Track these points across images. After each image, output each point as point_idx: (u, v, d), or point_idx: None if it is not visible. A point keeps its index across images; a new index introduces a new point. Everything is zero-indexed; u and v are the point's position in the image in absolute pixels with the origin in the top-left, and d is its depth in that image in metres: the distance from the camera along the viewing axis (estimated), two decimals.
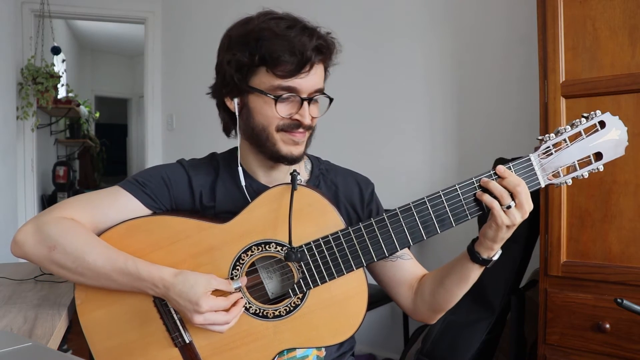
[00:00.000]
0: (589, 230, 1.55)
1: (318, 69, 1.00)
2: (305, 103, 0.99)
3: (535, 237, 1.84)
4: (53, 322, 1.01)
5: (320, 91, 1.02)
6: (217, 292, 0.93)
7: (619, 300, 1.08)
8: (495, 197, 0.89)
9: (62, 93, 4.52)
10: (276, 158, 1.02)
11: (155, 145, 3.82)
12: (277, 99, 0.97)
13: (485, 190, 0.90)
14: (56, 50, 4.18)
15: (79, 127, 5.28)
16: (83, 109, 5.09)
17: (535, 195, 1.65)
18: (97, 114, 6.26)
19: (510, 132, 2.25)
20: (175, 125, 3.72)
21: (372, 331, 2.70)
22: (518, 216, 0.89)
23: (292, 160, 1.02)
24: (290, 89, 0.97)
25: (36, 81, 3.56)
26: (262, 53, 0.96)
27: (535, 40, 1.66)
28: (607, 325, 1.49)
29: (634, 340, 1.46)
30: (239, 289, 0.95)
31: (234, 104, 1.03)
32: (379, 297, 2.35)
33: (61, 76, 4.06)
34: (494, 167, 0.91)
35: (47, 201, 4.60)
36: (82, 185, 5.61)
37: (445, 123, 2.49)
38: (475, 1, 2.39)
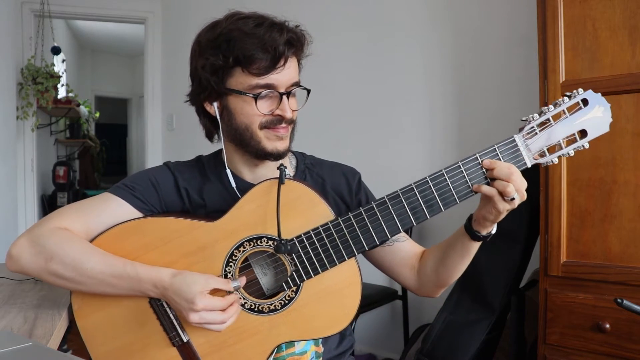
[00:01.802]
0: (589, 230, 1.55)
1: (292, 63, 1.01)
2: (285, 97, 1.00)
3: (535, 237, 1.84)
4: (53, 322, 1.01)
5: (297, 84, 1.03)
6: (215, 292, 0.93)
7: (619, 300, 1.08)
8: (500, 193, 0.89)
9: (62, 93, 4.52)
10: (262, 155, 1.03)
11: (155, 145, 3.82)
12: (256, 97, 0.98)
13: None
14: (56, 50, 4.18)
15: (79, 127, 5.28)
16: (83, 109, 5.09)
17: (535, 195, 1.66)
18: (97, 114, 6.25)
19: (510, 132, 2.24)
20: (175, 125, 3.72)
21: (372, 331, 2.70)
22: (518, 200, 0.90)
23: (278, 155, 1.03)
24: (268, 86, 0.98)
25: (36, 81, 3.56)
26: (235, 54, 0.96)
27: (536, 40, 1.66)
28: (607, 325, 1.49)
29: (634, 340, 1.46)
30: (237, 288, 0.95)
31: (214, 108, 1.04)
32: (379, 297, 2.36)
33: (61, 76, 4.06)
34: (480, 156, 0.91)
35: (47, 201, 4.60)
36: (82, 185, 5.61)
37: (445, 123, 2.49)
38: (476, 1, 2.39)
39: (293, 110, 1.03)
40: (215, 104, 1.03)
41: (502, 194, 0.88)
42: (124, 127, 7.73)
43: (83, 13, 3.86)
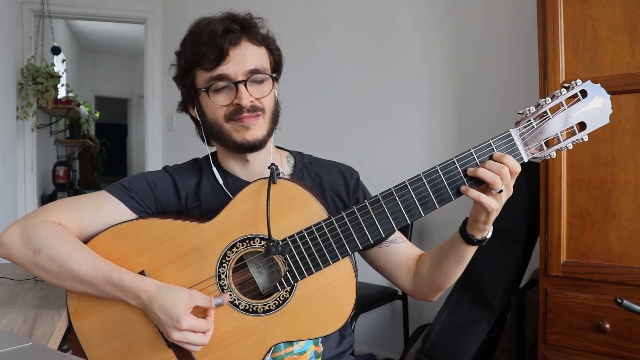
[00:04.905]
0: (589, 230, 1.55)
1: (247, 50, 1.01)
2: (240, 86, 1.00)
3: (535, 237, 1.84)
4: (53, 322, 1.01)
5: (257, 71, 1.02)
6: (198, 309, 0.93)
7: (619, 300, 1.07)
8: (486, 183, 0.87)
9: (62, 93, 4.52)
10: (237, 148, 1.04)
11: (155, 145, 3.81)
12: (207, 90, 1.01)
13: (472, 178, 0.89)
14: (56, 50, 4.18)
15: (79, 127, 5.28)
16: (83, 109, 5.09)
17: (535, 194, 1.66)
18: (97, 114, 6.25)
19: None
20: (175, 125, 3.72)
21: (372, 331, 2.70)
22: (504, 196, 0.88)
23: (250, 146, 1.03)
24: (220, 77, 1.00)
25: (36, 81, 3.56)
26: (187, 56, 1.03)
27: (537, 39, 1.66)
28: (607, 325, 1.49)
29: (634, 340, 1.46)
30: (219, 306, 0.94)
31: (195, 112, 1.08)
32: (379, 297, 2.36)
33: (61, 76, 4.06)
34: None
35: (47, 201, 4.60)
36: (82, 185, 5.61)
37: (445, 123, 2.49)
38: (477, 0, 2.39)
39: (257, 98, 1.02)
40: (195, 108, 1.07)
41: (492, 186, 0.86)
42: (124, 127, 7.72)
43: (83, 13, 3.86)
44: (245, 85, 1.00)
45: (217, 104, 1.01)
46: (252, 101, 1.01)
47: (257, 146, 1.03)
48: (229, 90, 1.01)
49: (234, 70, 1.00)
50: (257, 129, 1.03)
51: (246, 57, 1.01)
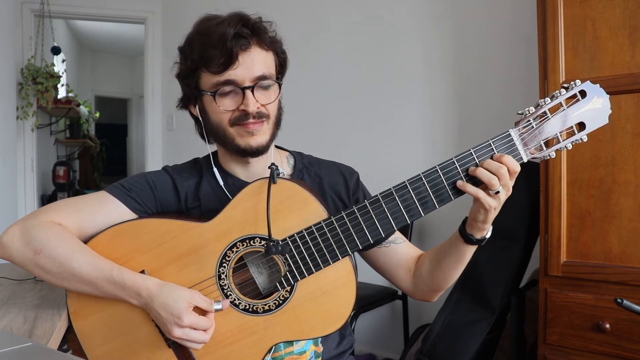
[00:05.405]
0: (589, 230, 1.55)
1: (255, 55, 1.00)
2: (248, 92, 0.99)
3: (535, 237, 1.84)
4: (53, 322, 1.01)
5: (264, 77, 1.01)
6: (198, 309, 0.94)
7: (619, 300, 1.08)
8: (483, 183, 0.87)
9: (62, 93, 4.52)
10: (240, 152, 1.04)
11: (155, 145, 3.82)
12: (214, 94, 1.00)
13: (468, 177, 0.89)
14: (56, 50, 4.18)
15: (79, 127, 5.28)
16: (83, 109, 5.09)
17: (535, 195, 1.66)
18: (97, 114, 6.26)
19: None
20: (175, 125, 3.72)
21: (372, 331, 2.70)
22: (503, 195, 0.88)
23: (254, 152, 1.03)
24: (228, 82, 0.99)
25: (36, 81, 3.56)
26: (193, 56, 1.01)
27: (537, 40, 1.66)
28: (607, 325, 1.49)
29: (634, 340, 1.46)
30: (219, 311, 0.95)
31: (196, 111, 1.07)
32: (379, 297, 2.36)
33: (61, 76, 4.06)
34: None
35: (47, 201, 4.60)
36: (82, 185, 5.61)
37: (445, 123, 2.49)
38: (478, 0, 2.39)
39: (264, 105, 1.02)
40: (198, 107, 1.06)
41: (489, 187, 0.87)
42: (124, 127, 7.72)
43: (83, 13, 3.86)
44: (252, 92, 1.00)
45: (222, 109, 1.01)
46: (258, 107, 1.01)
47: (260, 151, 1.04)
48: (235, 95, 1.01)
49: (242, 75, 0.99)
50: (261, 134, 1.03)
51: (255, 63, 1.00)
